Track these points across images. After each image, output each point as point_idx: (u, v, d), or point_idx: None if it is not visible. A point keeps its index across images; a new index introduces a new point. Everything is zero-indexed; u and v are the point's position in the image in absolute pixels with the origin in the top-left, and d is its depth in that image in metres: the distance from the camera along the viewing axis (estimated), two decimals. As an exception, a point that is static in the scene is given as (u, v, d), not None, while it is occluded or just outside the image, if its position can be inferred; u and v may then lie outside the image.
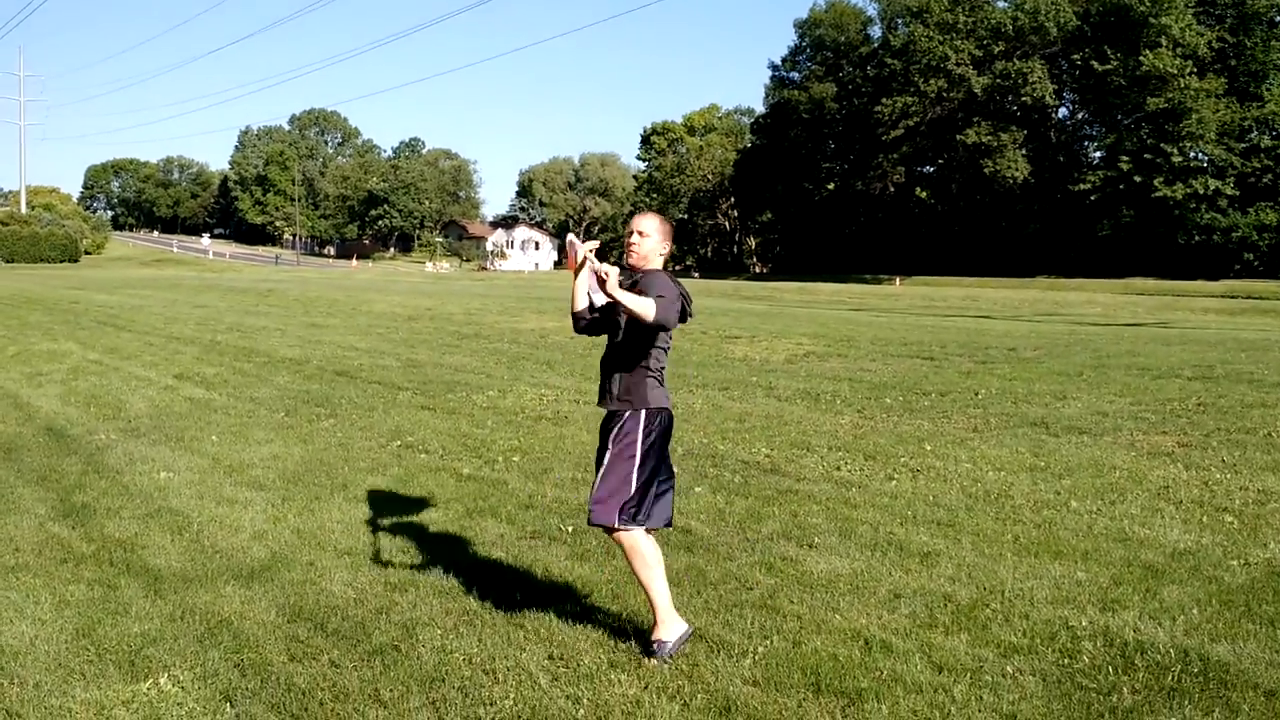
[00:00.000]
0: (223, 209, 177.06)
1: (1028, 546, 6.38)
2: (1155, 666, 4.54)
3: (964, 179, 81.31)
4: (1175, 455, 9.16)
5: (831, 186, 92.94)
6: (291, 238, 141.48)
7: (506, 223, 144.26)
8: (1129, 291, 55.08)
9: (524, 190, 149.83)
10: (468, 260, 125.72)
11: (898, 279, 72.33)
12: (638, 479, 4.63)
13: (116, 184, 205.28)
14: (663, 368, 4.79)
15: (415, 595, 5.49)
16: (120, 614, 5.25)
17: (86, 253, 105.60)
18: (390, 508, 7.42)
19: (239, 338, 20.72)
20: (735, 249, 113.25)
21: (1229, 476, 8.33)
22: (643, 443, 4.65)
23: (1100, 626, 5.00)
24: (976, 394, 12.89)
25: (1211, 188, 68.10)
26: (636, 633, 4.95)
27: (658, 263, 4.79)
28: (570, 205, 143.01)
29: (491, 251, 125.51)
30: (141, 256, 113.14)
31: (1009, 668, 4.52)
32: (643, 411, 4.68)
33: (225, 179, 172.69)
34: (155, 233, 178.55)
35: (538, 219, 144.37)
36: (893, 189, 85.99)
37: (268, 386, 13.93)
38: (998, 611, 5.22)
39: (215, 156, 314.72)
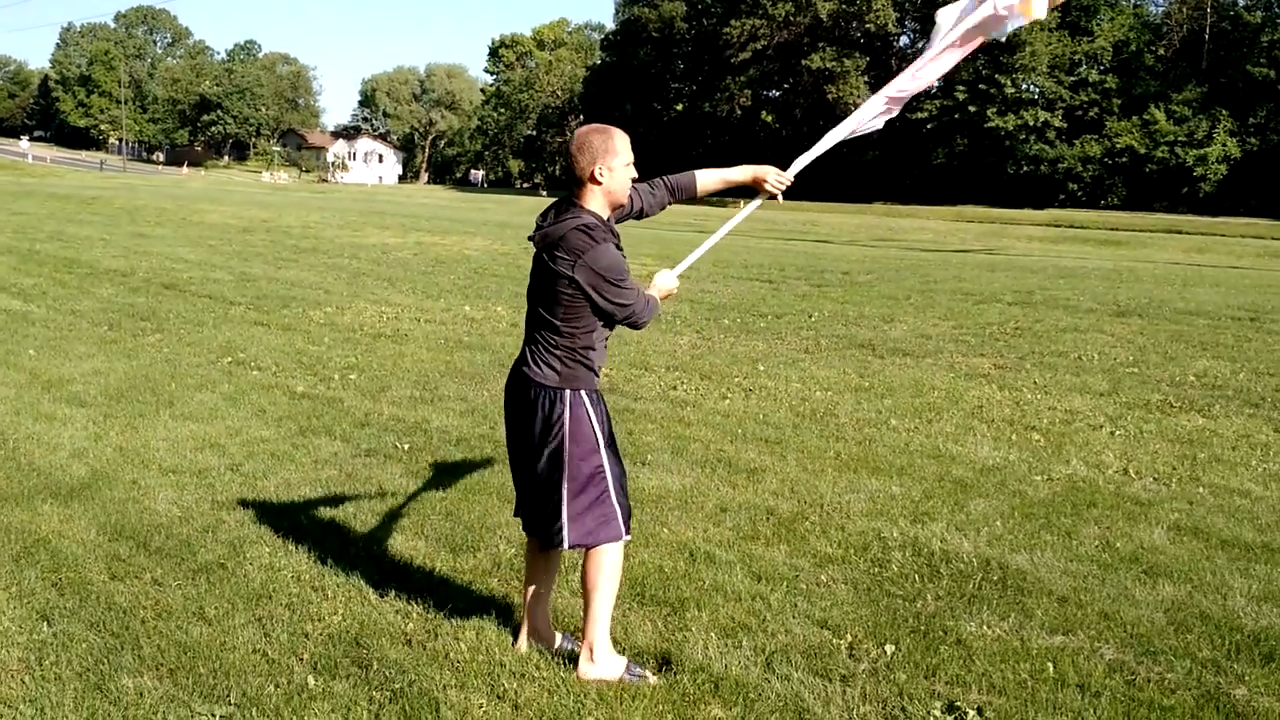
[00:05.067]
0: (43, 110, 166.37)
1: (848, 463, 6.67)
2: (958, 575, 4.84)
3: (808, 104, 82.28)
4: (991, 376, 9.65)
5: (680, 108, 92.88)
6: (118, 142, 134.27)
7: (348, 133, 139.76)
8: (960, 219, 56.94)
9: (367, 100, 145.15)
10: (307, 171, 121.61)
11: (741, 202, 73.16)
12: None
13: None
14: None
15: (243, 513, 5.43)
16: (-72, 534, 5.05)
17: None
18: (219, 426, 7.27)
19: (60, 247, 19.73)
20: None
21: (1039, 397, 8.83)
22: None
23: (910, 537, 5.29)
24: (810, 316, 13.27)
25: (1041, 120, 70.70)
26: (468, 548, 5.03)
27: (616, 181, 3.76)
28: (416, 117, 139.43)
29: (332, 163, 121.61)
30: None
31: (823, 576, 4.75)
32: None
33: (46, 78, 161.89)
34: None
35: (381, 130, 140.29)
36: (739, 112, 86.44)
37: (90, 299, 13.36)
38: (816, 524, 5.47)
39: (35, 54, 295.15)
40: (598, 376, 3.84)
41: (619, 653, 3.89)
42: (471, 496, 5.83)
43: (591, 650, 3.79)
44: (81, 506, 5.50)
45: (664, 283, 4.04)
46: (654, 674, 3.83)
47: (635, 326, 3.86)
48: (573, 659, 3.86)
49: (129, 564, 4.74)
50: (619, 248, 3.72)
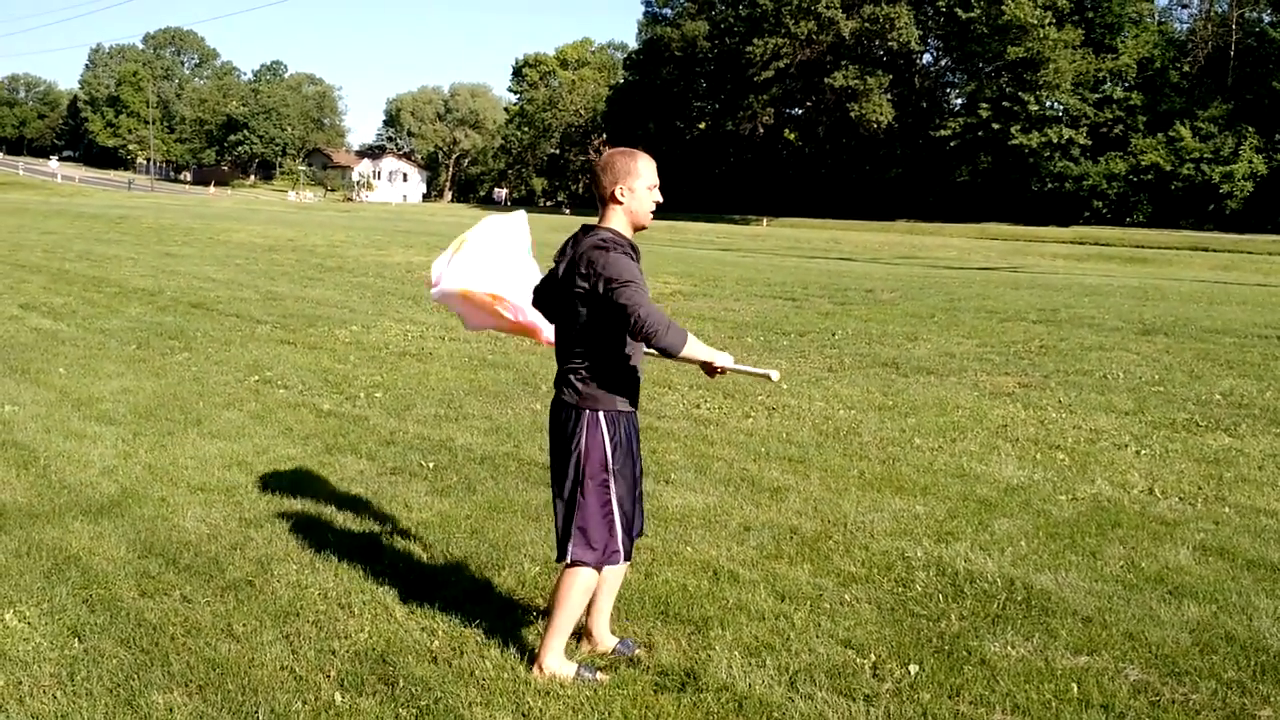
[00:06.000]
0: (72, 130, 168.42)
1: (871, 482, 6.67)
2: (982, 595, 4.83)
3: (831, 122, 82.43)
4: (1015, 395, 9.62)
5: (702, 126, 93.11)
6: (146, 162, 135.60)
7: (373, 153, 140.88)
8: (983, 236, 56.79)
9: (392, 120, 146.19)
10: (333, 190, 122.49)
11: (765, 220, 73.22)
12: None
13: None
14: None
15: (270, 531, 5.48)
16: (-39, 551, 5.11)
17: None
18: (246, 444, 7.33)
19: (89, 266, 19.96)
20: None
21: (1064, 416, 8.80)
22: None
23: (934, 557, 5.29)
24: (834, 334, 13.26)
25: (1065, 137, 70.44)
26: (493, 566, 5.06)
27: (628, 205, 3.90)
28: (440, 136, 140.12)
29: (358, 182, 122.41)
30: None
31: (847, 596, 4.76)
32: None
33: (75, 99, 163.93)
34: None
35: (406, 149, 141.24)
36: (762, 130, 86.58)
37: (119, 318, 13.50)
38: (839, 543, 5.47)
39: (64, 75, 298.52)
40: (627, 397, 3.91)
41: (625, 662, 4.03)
42: (496, 515, 5.87)
43: (541, 662, 3.93)
44: (111, 524, 5.57)
45: (721, 355, 3.91)
46: (605, 675, 3.96)
47: (649, 337, 3.68)
48: (632, 662, 4.05)
49: (158, 581, 4.79)
50: (635, 261, 3.78)
